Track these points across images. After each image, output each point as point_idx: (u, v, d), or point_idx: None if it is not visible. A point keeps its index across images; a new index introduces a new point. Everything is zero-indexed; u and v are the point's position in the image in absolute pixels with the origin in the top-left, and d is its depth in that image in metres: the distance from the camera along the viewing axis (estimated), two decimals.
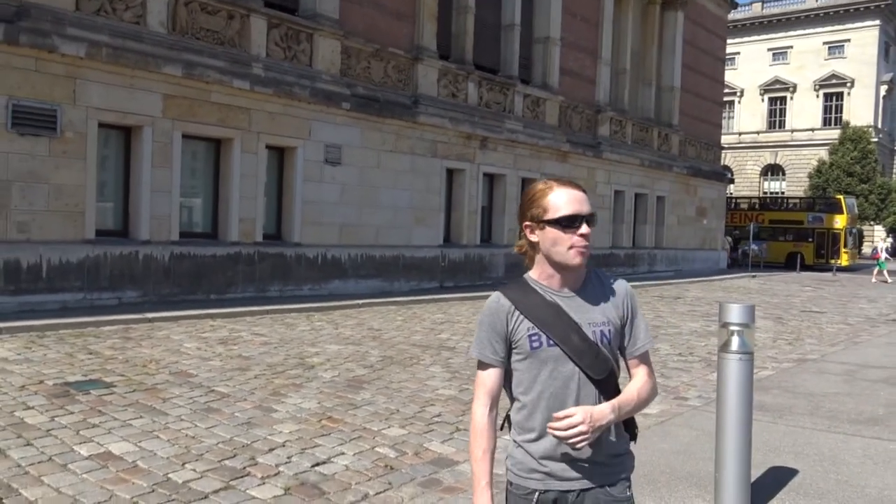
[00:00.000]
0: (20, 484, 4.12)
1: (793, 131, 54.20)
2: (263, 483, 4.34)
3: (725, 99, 41.16)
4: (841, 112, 52.22)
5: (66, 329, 9.14)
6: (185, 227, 12.57)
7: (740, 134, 55.60)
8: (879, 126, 52.27)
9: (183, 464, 4.57)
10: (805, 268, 34.41)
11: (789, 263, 35.50)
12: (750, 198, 43.77)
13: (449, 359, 8.56)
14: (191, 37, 12.26)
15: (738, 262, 34.51)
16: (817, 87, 53.41)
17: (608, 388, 2.01)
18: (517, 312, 1.99)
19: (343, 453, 4.94)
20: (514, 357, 2.02)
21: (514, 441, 2.08)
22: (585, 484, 2.00)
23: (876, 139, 49.50)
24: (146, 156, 11.66)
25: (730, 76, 45.49)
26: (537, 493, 2.00)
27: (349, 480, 4.46)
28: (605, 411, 1.93)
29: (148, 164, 11.68)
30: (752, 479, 4.27)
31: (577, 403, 1.96)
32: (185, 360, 7.75)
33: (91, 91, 10.90)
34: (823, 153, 49.43)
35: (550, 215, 1.95)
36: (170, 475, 4.36)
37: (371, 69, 15.60)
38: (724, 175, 32.92)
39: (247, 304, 12.00)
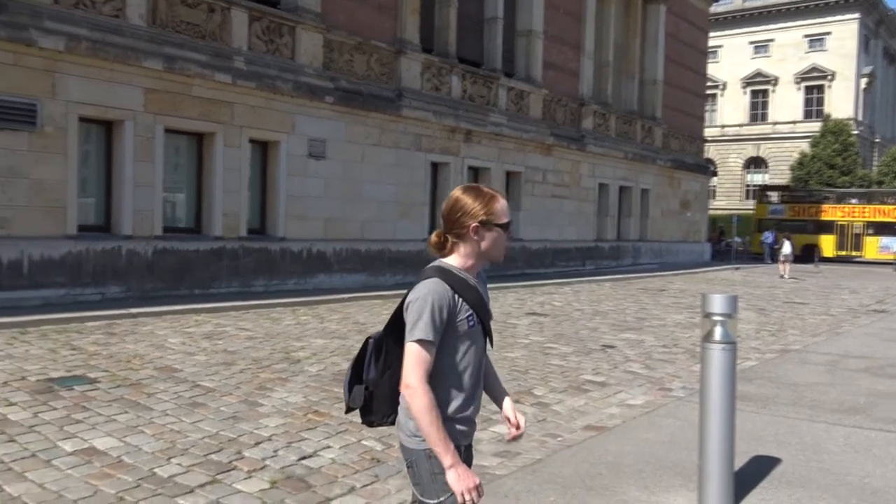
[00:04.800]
0: (3, 480, 4.09)
1: (775, 124, 54.61)
2: (250, 477, 4.33)
3: (708, 92, 41.35)
4: (822, 105, 52.65)
5: (49, 325, 9.05)
6: (168, 221, 12.48)
7: (723, 126, 55.92)
8: (860, 119, 52.79)
9: (168, 458, 4.55)
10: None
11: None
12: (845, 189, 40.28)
13: None
14: (171, 30, 12.15)
15: (722, 254, 34.77)
16: (798, 80, 53.83)
17: None
18: (457, 296, 2.23)
19: (329, 447, 4.94)
20: (449, 335, 2.22)
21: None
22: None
23: (857, 132, 49.99)
24: (128, 150, 11.56)
25: (712, 69, 45.68)
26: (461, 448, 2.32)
27: (336, 473, 4.46)
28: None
29: (130, 158, 11.58)
30: (736, 468, 4.31)
31: (483, 370, 2.39)
32: (169, 355, 7.70)
33: (70, 85, 10.78)
34: (805, 146, 49.81)
35: (499, 220, 2.28)
36: (155, 470, 4.34)
37: (354, 62, 15.54)
38: (707, 168, 33.12)
39: (231, 299, 11.94)
